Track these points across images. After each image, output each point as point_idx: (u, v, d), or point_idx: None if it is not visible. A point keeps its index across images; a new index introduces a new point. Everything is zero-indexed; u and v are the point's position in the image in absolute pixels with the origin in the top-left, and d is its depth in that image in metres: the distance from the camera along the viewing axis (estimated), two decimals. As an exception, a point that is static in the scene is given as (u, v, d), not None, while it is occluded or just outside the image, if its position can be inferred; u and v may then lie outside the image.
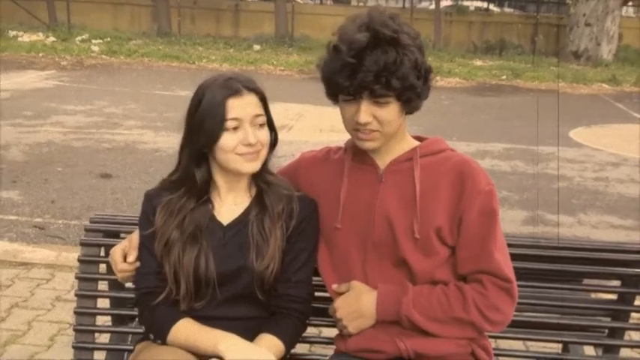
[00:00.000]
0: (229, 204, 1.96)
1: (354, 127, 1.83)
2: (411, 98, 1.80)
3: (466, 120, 10.26)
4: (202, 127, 1.86)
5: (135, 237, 2.01)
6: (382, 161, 1.92)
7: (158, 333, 1.91)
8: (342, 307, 1.90)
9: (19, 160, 7.12)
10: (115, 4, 21.10)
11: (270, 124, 1.94)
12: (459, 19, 20.34)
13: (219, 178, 1.95)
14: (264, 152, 1.92)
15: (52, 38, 17.78)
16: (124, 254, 2.00)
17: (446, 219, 1.84)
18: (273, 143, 1.96)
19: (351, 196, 1.92)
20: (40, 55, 15.73)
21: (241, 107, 1.86)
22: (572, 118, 10.71)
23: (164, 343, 1.89)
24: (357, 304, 1.88)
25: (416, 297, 1.85)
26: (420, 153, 1.90)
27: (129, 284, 2.14)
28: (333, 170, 1.98)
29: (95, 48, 16.74)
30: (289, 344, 1.94)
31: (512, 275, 1.85)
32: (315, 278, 2.05)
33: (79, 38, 17.99)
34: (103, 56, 16.10)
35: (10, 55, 15.37)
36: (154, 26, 20.48)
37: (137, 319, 2.05)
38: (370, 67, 1.72)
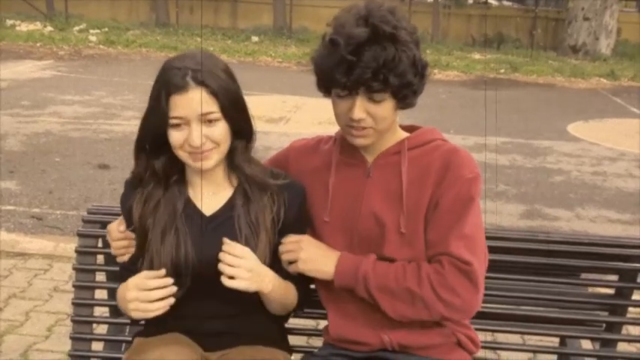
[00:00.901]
0: (208, 194, 1.88)
1: (346, 122, 1.80)
2: (406, 95, 1.78)
3: (464, 113, 10.26)
4: (149, 123, 1.80)
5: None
6: (370, 156, 1.90)
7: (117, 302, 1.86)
8: (309, 247, 1.87)
9: (16, 151, 7.10)
10: (113, -6, 21.02)
11: (239, 115, 1.82)
12: (457, 12, 20.28)
13: (188, 169, 1.87)
14: (222, 148, 1.80)
15: (49, 28, 17.70)
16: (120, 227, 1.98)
17: (427, 206, 1.82)
18: (248, 134, 1.86)
19: (339, 190, 1.90)
20: (38, 44, 15.67)
21: (185, 105, 1.74)
22: (570, 112, 10.72)
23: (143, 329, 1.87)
24: (324, 252, 1.87)
25: (375, 264, 1.82)
26: (408, 145, 1.87)
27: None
28: (322, 162, 1.96)
29: (93, 38, 16.67)
30: (299, 300, 1.95)
31: (472, 259, 1.76)
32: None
33: (77, 28, 17.92)
34: (101, 46, 16.04)
35: (8, 44, 15.31)
36: (152, 17, 20.41)
37: None
38: (369, 63, 1.69)
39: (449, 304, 1.77)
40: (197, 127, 1.75)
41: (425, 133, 1.92)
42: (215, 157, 1.80)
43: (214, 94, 1.76)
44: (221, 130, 1.78)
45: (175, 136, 1.77)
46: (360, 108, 1.75)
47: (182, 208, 1.85)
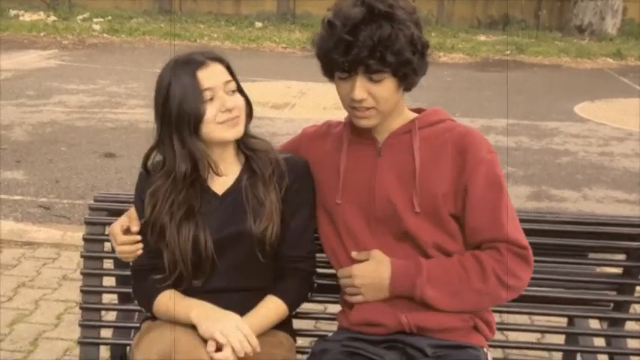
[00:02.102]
0: (221, 174, 1.95)
1: (350, 104, 1.82)
2: (407, 74, 1.78)
3: (470, 96, 10.21)
4: (182, 111, 1.84)
5: (133, 210, 2.01)
6: (381, 136, 1.91)
7: (145, 307, 1.96)
8: (361, 275, 1.87)
9: (22, 140, 7.11)
10: (115, -18, 20.94)
11: (241, 91, 1.94)
12: (462, -6, 20.14)
13: (205, 155, 1.92)
14: (242, 117, 1.92)
15: (53, 17, 17.67)
16: (123, 229, 2.01)
17: (449, 189, 1.83)
18: (249, 112, 1.96)
19: (351, 171, 1.91)
20: (42, 34, 15.64)
21: (211, 77, 1.87)
22: (577, 92, 10.64)
23: (153, 316, 1.93)
24: (379, 276, 1.86)
25: (432, 273, 1.84)
26: (418, 125, 1.89)
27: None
28: (333, 145, 1.97)
29: (96, 27, 16.64)
30: (293, 303, 1.97)
31: (526, 242, 1.85)
32: (319, 255, 2.05)
33: (80, 17, 17.87)
34: (105, 35, 16.00)
35: (12, 34, 15.29)
36: (155, 4, 20.33)
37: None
38: (365, 41, 1.71)
39: (511, 287, 1.85)
40: (225, 95, 1.87)
41: (433, 113, 1.94)
42: (242, 124, 1.92)
43: (228, 67, 1.92)
44: (240, 99, 1.92)
45: (209, 110, 1.85)
46: (361, 88, 1.77)
47: (198, 198, 1.91)
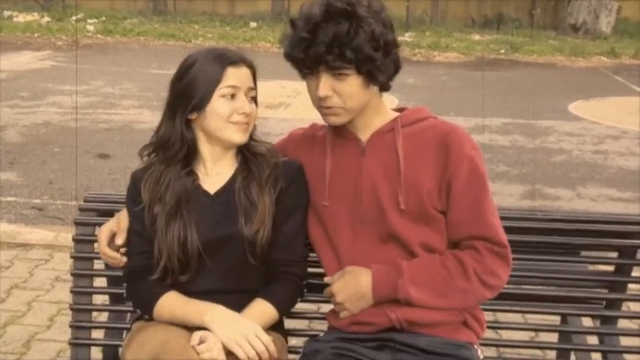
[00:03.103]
0: (215, 174, 1.96)
1: (317, 102, 1.85)
2: (371, 71, 1.79)
3: (464, 95, 10.22)
4: (194, 88, 1.87)
5: (123, 218, 2.00)
6: (363, 135, 1.92)
7: (144, 308, 1.92)
8: (341, 291, 1.88)
9: (16, 142, 7.10)
10: (109, -18, 20.90)
11: (255, 101, 1.97)
12: (456, -6, 20.17)
13: (204, 149, 1.95)
14: (252, 124, 1.95)
15: (47, 18, 17.64)
16: (111, 234, 2.00)
17: (434, 185, 1.84)
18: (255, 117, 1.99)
19: (336, 172, 1.92)
20: (36, 35, 15.62)
21: (240, 77, 1.90)
22: (571, 91, 10.67)
23: (151, 318, 1.90)
24: (356, 286, 1.87)
25: (414, 273, 1.84)
26: (401, 123, 1.90)
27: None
28: (319, 147, 1.98)
29: (91, 27, 16.62)
30: (283, 307, 1.95)
31: (506, 240, 1.86)
32: (311, 254, 2.04)
33: (74, 18, 17.83)
34: (99, 36, 15.99)
35: (5, 36, 15.25)
36: (150, 5, 20.32)
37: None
38: (322, 39, 1.74)
39: (493, 287, 1.87)
40: (245, 99, 1.90)
41: (416, 111, 1.95)
42: (249, 131, 1.94)
43: (254, 75, 1.95)
44: (255, 109, 1.95)
45: (226, 105, 1.87)
46: (325, 85, 1.80)
47: (189, 193, 1.91)
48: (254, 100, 1.95)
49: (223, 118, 1.87)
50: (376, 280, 1.85)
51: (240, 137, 1.91)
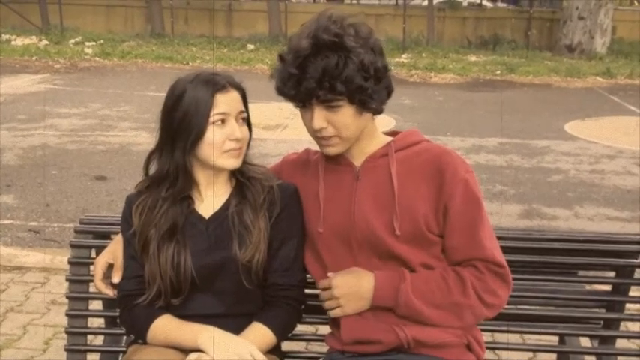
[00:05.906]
0: (209, 198, 1.95)
1: (313, 134, 1.84)
2: (363, 100, 1.79)
3: (461, 115, 10.25)
4: (187, 123, 1.85)
5: (119, 254, 1.99)
6: (357, 160, 1.91)
7: (138, 332, 1.91)
8: (341, 285, 1.85)
9: (13, 164, 7.09)
10: (107, 6, 21.00)
11: (248, 122, 1.95)
12: (452, 15, 20.27)
13: (199, 175, 1.94)
14: (244, 148, 1.93)
15: (45, 42, 17.71)
16: (107, 266, 2.00)
17: (429, 209, 1.83)
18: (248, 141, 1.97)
19: (330, 198, 1.91)
20: (34, 58, 15.68)
21: (228, 102, 1.87)
22: (567, 111, 10.71)
23: (145, 342, 1.88)
24: (358, 285, 1.85)
25: (414, 283, 1.83)
26: (395, 147, 1.89)
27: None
28: (312, 173, 1.98)
29: (89, 50, 16.68)
30: (281, 332, 1.93)
31: (504, 261, 1.86)
32: (309, 276, 2.03)
33: (73, 41, 17.93)
34: (97, 58, 16.04)
35: (4, 59, 15.31)
36: (148, 27, 20.42)
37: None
38: (312, 73, 1.73)
39: (491, 305, 1.86)
40: (235, 124, 1.88)
41: (409, 135, 1.95)
42: (242, 156, 1.93)
43: (243, 97, 1.93)
44: (247, 131, 1.93)
45: (217, 134, 1.85)
46: (319, 117, 1.80)
47: (184, 218, 1.91)
48: (245, 121, 1.93)
49: (216, 147, 1.86)
50: (379, 283, 1.84)
51: (233, 163, 1.90)
